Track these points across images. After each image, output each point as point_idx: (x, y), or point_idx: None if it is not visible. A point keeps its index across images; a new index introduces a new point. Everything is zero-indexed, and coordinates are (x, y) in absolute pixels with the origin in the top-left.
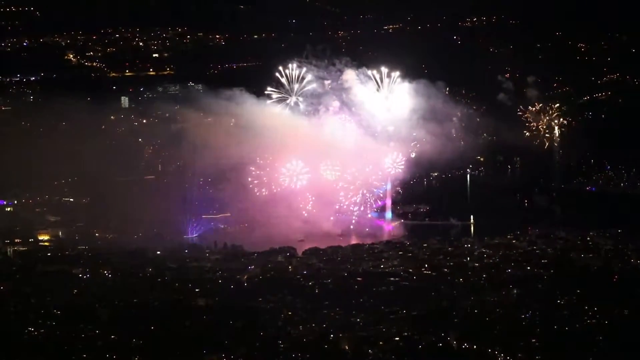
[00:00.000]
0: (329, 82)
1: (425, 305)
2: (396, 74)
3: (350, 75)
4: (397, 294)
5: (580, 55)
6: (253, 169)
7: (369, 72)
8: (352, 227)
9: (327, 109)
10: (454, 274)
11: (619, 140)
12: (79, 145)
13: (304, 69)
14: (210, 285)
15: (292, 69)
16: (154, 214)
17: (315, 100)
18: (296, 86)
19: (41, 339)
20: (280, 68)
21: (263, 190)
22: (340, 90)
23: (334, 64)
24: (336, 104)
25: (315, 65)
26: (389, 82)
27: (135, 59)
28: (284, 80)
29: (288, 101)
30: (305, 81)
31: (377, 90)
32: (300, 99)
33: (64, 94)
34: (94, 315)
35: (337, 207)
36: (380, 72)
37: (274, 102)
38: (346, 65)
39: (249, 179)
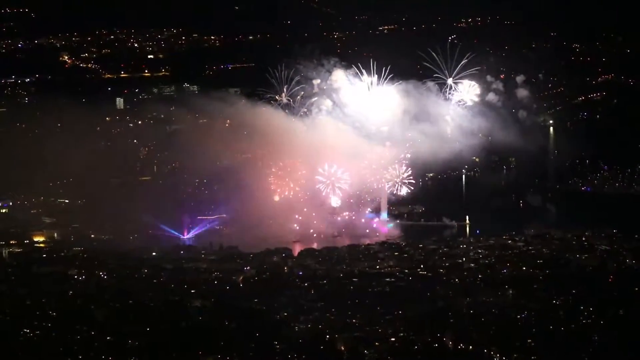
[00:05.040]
0: (320, 82)
1: (420, 305)
2: (390, 74)
3: (342, 76)
4: (393, 295)
5: (575, 55)
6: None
7: (363, 73)
8: (347, 228)
9: (320, 109)
10: (450, 275)
11: (614, 141)
12: (74, 146)
13: (298, 70)
14: (206, 286)
15: (286, 70)
16: (150, 215)
17: (308, 101)
18: (287, 87)
19: (37, 341)
20: (275, 69)
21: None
22: (333, 91)
23: (323, 65)
24: (329, 103)
25: (308, 67)
26: (383, 83)
27: (130, 60)
28: (278, 80)
29: (281, 102)
30: (295, 81)
31: (370, 90)
32: (293, 99)
33: (59, 96)
34: (90, 317)
35: (332, 207)
36: (374, 73)
37: (266, 102)
38: (338, 66)
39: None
